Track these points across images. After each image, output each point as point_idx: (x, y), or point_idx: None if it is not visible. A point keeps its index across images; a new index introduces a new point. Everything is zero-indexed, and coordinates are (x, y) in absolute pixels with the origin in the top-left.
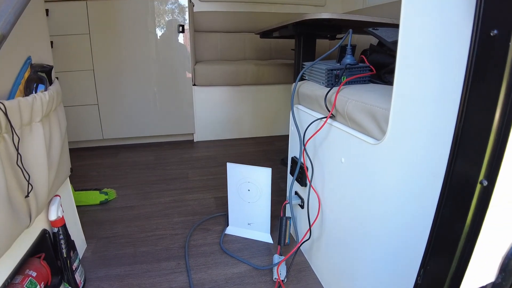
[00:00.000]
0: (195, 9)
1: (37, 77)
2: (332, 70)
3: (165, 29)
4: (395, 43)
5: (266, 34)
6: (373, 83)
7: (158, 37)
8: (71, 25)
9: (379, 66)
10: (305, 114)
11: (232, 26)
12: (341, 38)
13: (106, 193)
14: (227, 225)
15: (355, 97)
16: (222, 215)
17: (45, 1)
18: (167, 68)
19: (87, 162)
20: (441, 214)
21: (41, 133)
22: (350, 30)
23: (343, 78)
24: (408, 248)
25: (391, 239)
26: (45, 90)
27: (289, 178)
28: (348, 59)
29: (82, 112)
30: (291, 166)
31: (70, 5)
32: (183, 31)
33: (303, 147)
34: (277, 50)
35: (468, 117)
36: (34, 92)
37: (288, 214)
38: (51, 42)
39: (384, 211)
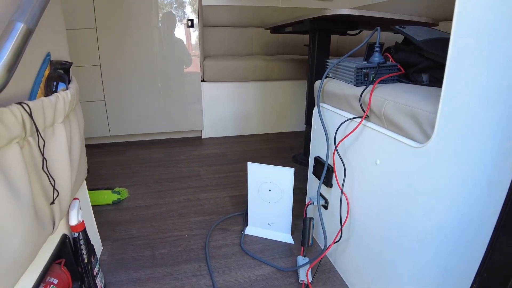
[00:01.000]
0: (204, 3)
1: (58, 74)
2: (362, 68)
3: (173, 23)
4: (426, 42)
5: (277, 29)
6: (401, 83)
7: (166, 32)
8: (77, 19)
9: (405, 65)
10: (331, 113)
11: (240, 21)
12: (351, 35)
13: (118, 193)
14: (246, 225)
15: (393, 97)
16: (239, 215)
17: None
18: (175, 63)
19: (95, 160)
20: (499, 235)
21: (64, 134)
22: (378, 28)
23: (373, 77)
24: (456, 269)
25: (436, 256)
26: (66, 88)
27: (310, 177)
28: (376, 58)
29: (88, 108)
30: (314, 167)
31: None
32: (192, 26)
33: (334, 148)
34: (285, 45)
35: None
36: (55, 91)
37: (310, 215)
38: None
39: (427, 222)
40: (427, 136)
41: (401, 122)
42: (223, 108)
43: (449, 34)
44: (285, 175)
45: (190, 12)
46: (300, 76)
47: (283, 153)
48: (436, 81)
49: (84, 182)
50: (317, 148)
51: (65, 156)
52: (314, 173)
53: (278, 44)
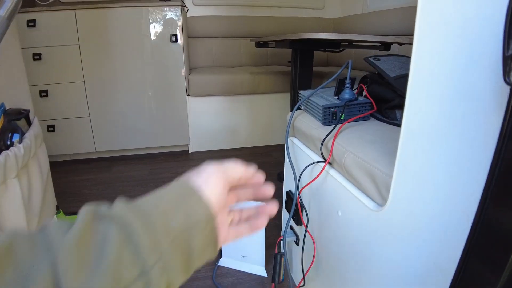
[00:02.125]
0: (190, 14)
1: (12, 126)
2: (329, 108)
3: (157, 38)
4: (398, 79)
5: (261, 44)
6: (374, 118)
7: (150, 47)
8: (59, 35)
9: (380, 99)
10: (300, 151)
11: (228, 31)
12: (335, 51)
13: None
14: (220, 256)
15: (354, 148)
16: None
17: (31, 12)
18: (160, 78)
19: (80, 177)
20: None
21: (18, 188)
22: (350, 62)
23: (341, 115)
24: None
25: None
26: (21, 139)
27: (284, 211)
28: (347, 94)
29: (73, 125)
30: (286, 201)
31: (58, 15)
32: (176, 41)
33: (297, 194)
34: (274, 56)
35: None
36: (8, 142)
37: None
38: (39, 54)
39: (384, 279)
40: (384, 199)
41: (360, 179)
42: (210, 122)
43: None
44: None
45: (174, 27)
46: (287, 89)
47: (269, 169)
48: None
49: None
50: (289, 182)
51: (20, 208)
52: (286, 207)
53: (267, 55)
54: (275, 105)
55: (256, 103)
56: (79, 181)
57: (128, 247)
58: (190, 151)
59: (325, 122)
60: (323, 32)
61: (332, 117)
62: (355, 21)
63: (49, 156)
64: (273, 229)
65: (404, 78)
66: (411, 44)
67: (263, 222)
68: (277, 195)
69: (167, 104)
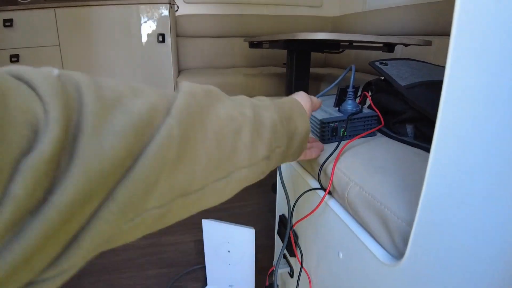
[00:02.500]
0: (180, 12)
1: None
2: (329, 122)
3: (143, 38)
4: (411, 89)
5: (255, 44)
6: (381, 133)
7: (136, 48)
8: (38, 36)
9: (387, 110)
10: (295, 172)
11: (220, 31)
12: (334, 52)
13: None
14: (206, 284)
15: (359, 178)
16: (201, 267)
17: (9, 10)
18: (147, 81)
19: None
20: None
21: None
22: (353, 67)
23: (343, 131)
24: None
25: None
26: None
27: (276, 238)
28: (349, 106)
29: None
30: (278, 227)
31: (37, 13)
32: (163, 41)
33: (290, 227)
34: (269, 56)
35: None
36: None
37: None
38: (17, 56)
39: None
40: (398, 251)
41: (368, 221)
42: None
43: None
44: (244, 237)
45: (161, 27)
46: (282, 92)
47: (264, 179)
48: (423, 136)
49: None
50: (282, 205)
51: None
52: (278, 233)
53: (262, 55)
54: None
55: None
56: None
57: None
58: None
59: (324, 139)
60: (321, 31)
61: (332, 133)
62: (355, 20)
63: None
64: (266, 250)
65: (417, 87)
66: (418, 45)
67: (317, 152)
68: (271, 209)
69: None
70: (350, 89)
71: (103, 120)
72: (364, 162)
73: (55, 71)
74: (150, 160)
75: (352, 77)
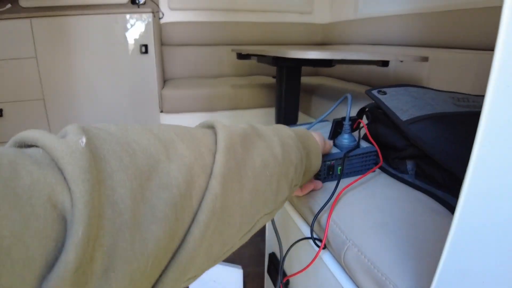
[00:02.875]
0: (166, 19)
1: None
2: (324, 161)
3: (125, 49)
4: (413, 124)
5: (243, 56)
6: (380, 170)
7: (118, 59)
8: (13, 47)
9: (386, 144)
10: (286, 214)
11: (208, 39)
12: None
13: None
14: None
15: (356, 237)
16: None
17: None
18: (129, 94)
19: None
20: None
21: None
22: (349, 97)
23: (340, 169)
24: None
25: None
26: None
27: (266, 277)
28: (345, 140)
29: None
30: (268, 266)
31: (12, 24)
32: (146, 52)
33: (280, 281)
34: (257, 66)
35: None
36: None
37: None
38: None
39: None
40: None
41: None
42: None
43: (452, 103)
44: (232, 276)
45: (145, 36)
46: (271, 103)
47: None
48: (424, 174)
49: None
50: (272, 243)
51: None
52: (268, 272)
53: (250, 63)
54: (259, 121)
55: (239, 119)
56: None
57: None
58: None
59: (320, 178)
60: (312, 39)
61: (328, 172)
62: (346, 27)
63: None
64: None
65: (420, 122)
66: (415, 60)
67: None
68: (262, 232)
69: (139, 122)
70: (347, 123)
71: (141, 201)
72: (360, 214)
73: (83, 140)
74: (194, 241)
75: (348, 109)
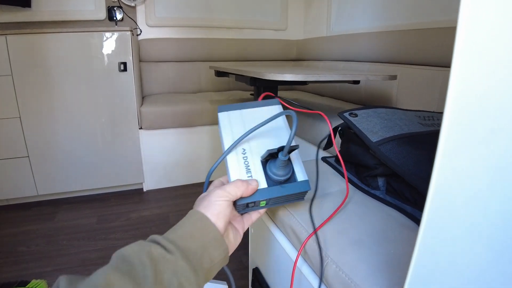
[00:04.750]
0: (144, 36)
1: None
2: (239, 203)
3: (103, 66)
4: (383, 144)
5: (221, 73)
6: (354, 187)
7: (96, 77)
8: None
9: (358, 162)
10: (264, 226)
11: (185, 55)
12: (297, 84)
13: None
14: None
15: (334, 254)
16: None
17: None
18: (108, 111)
19: (18, 229)
20: None
21: None
22: (294, 118)
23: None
24: None
25: None
26: None
27: None
28: (276, 173)
29: (10, 166)
30: (252, 280)
31: None
32: (125, 69)
33: None
34: (236, 81)
35: None
36: None
37: None
38: None
39: None
40: None
41: None
42: (166, 156)
43: (418, 122)
44: None
45: (123, 54)
46: None
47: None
48: (393, 191)
49: None
50: (255, 258)
51: None
52: (253, 286)
53: (229, 79)
54: None
55: (218, 134)
56: (16, 234)
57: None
58: (145, 189)
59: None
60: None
61: (244, 207)
62: (319, 44)
63: None
64: None
65: (389, 143)
66: (383, 80)
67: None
68: (242, 246)
69: (117, 139)
70: (282, 158)
71: None
72: (339, 232)
73: None
74: None
75: (291, 134)
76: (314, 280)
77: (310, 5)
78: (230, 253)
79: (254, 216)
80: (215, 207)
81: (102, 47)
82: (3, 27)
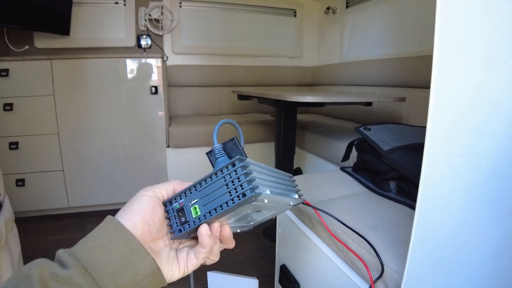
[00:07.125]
0: (170, 62)
1: None
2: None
3: (136, 90)
4: (393, 152)
5: (244, 97)
6: (368, 189)
7: (129, 99)
8: (34, 85)
9: (373, 170)
10: (289, 221)
11: (208, 80)
12: (315, 106)
13: None
14: None
15: (356, 236)
16: None
17: (5, 61)
18: (139, 130)
19: (52, 237)
20: None
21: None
22: (240, 134)
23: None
24: None
25: None
26: None
27: (277, 285)
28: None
29: (45, 179)
30: (280, 276)
31: (34, 64)
32: (156, 93)
33: None
34: (254, 105)
35: None
36: None
37: None
38: (11, 104)
39: None
40: None
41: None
42: (191, 173)
43: (423, 135)
44: (249, 287)
45: (154, 78)
46: (268, 138)
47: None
48: (404, 192)
49: None
50: (284, 255)
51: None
52: (280, 282)
53: (248, 103)
54: (258, 154)
55: None
56: (50, 241)
57: None
58: None
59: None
60: (302, 81)
61: (180, 218)
62: (333, 70)
63: (17, 212)
64: None
65: (398, 151)
66: (394, 101)
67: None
68: (264, 255)
69: (146, 156)
70: (216, 147)
71: None
72: (358, 219)
73: None
74: None
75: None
76: (337, 259)
77: (323, 34)
78: (169, 280)
79: (193, 260)
80: (132, 202)
81: (136, 71)
82: (46, 52)
